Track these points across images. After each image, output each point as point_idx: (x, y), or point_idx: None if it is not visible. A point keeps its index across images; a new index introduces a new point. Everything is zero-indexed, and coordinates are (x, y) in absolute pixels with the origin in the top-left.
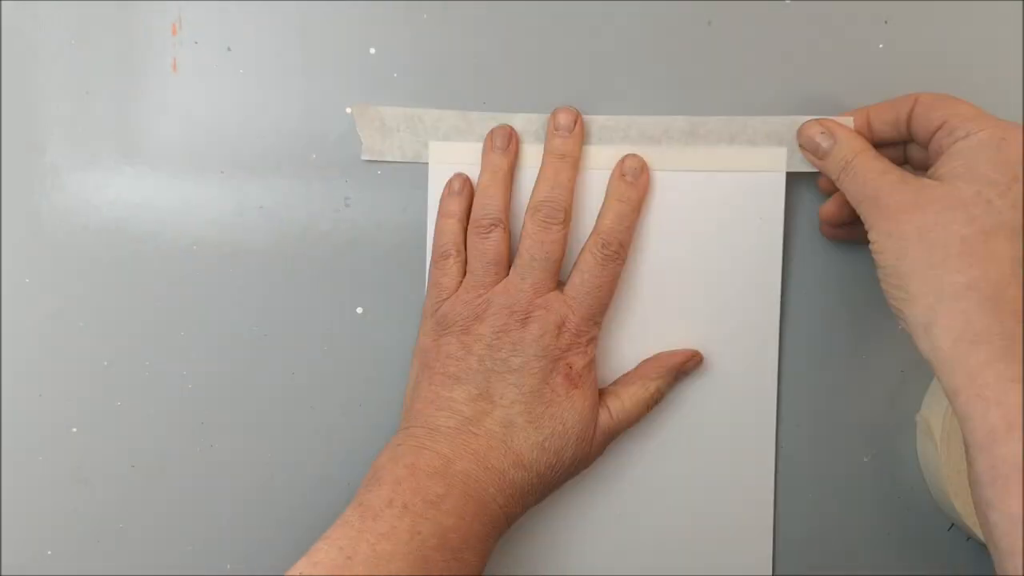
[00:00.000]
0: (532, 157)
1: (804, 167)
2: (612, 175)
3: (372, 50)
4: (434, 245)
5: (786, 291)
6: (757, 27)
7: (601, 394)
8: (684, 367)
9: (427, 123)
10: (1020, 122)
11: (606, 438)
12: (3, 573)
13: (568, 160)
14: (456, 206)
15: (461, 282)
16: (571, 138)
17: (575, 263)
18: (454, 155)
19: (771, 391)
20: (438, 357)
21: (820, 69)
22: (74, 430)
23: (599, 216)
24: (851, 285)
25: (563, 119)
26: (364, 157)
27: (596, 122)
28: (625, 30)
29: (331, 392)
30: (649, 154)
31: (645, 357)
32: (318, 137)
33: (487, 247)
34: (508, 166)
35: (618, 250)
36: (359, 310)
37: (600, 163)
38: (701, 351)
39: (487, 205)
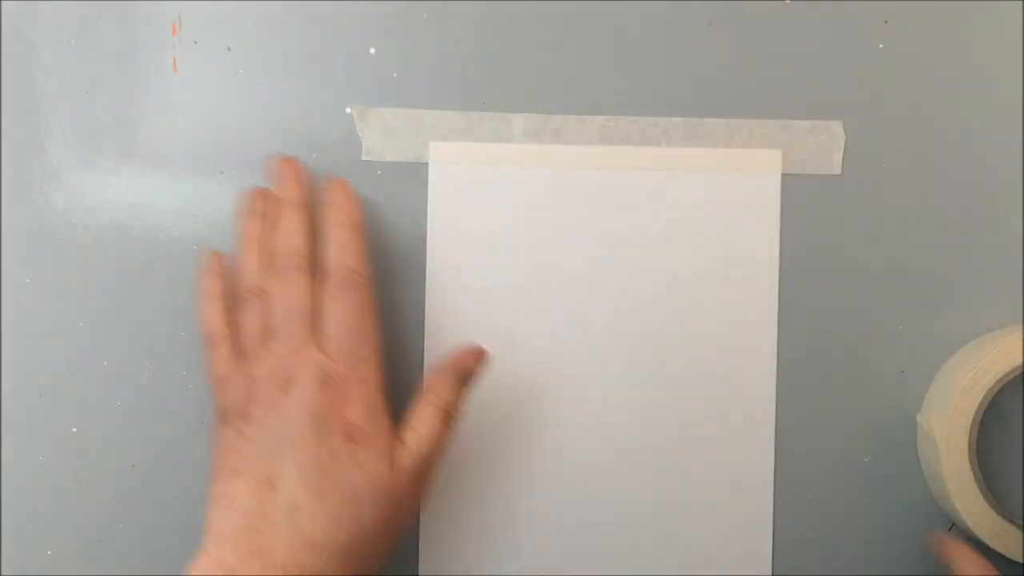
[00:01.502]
0: (532, 157)
1: (799, 169)
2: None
3: (372, 50)
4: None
5: (783, 291)
6: (757, 27)
7: (398, 429)
8: (470, 371)
9: (427, 123)
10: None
11: (418, 477)
12: (3, 573)
13: (295, 206)
14: (215, 285)
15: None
16: (295, 183)
17: (318, 307)
18: (454, 155)
19: (770, 391)
20: (221, 452)
21: (820, 69)
22: (74, 430)
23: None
24: (849, 285)
25: (277, 169)
26: (364, 157)
27: (596, 122)
28: (625, 30)
29: None
30: (648, 155)
31: (644, 357)
32: (318, 137)
33: (251, 321)
34: (261, 231)
35: (353, 276)
36: None
37: (601, 163)
38: (699, 351)
39: (246, 274)
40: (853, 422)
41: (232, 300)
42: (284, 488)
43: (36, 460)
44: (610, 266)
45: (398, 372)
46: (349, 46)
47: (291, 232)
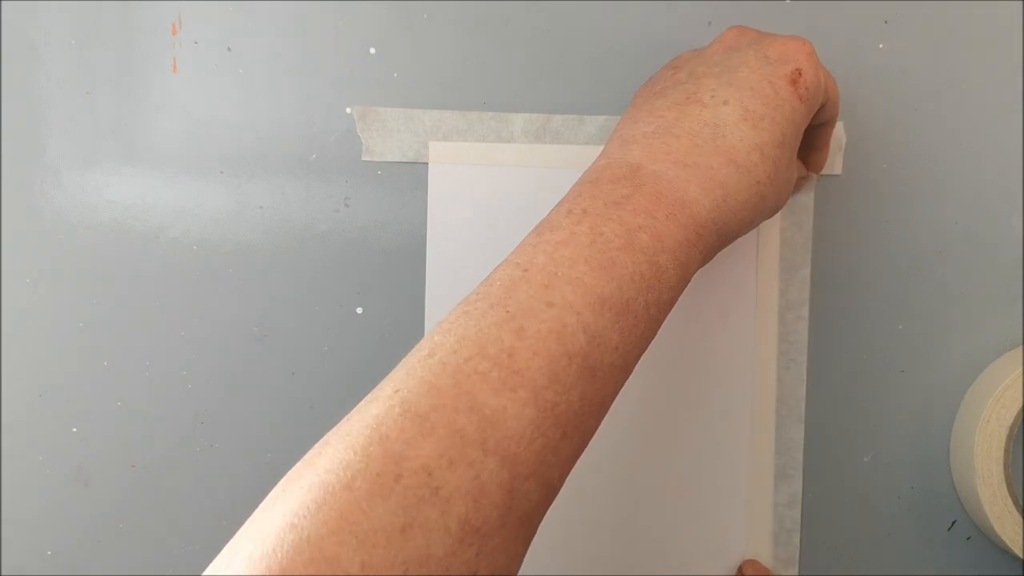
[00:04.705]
0: (532, 157)
1: (799, 171)
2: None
3: (372, 50)
4: None
5: (784, 291)
6: (757, 27)
7: None
8: None
9: (427, 123)
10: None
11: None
12: (3, 573)
13: None
14: None
15: None
16: None
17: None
18: (454, 155)
19: (771, 391)
20: (647, 86)
21: None
22: (74, 430)
23: None
24: (849, 284)
25: None
26: (364, 157)
27: (596, 122)
28: (625, 30)
29: (331, 392)
30: None
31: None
32: (318, 137)
33: None
34: None
35: None
36: (359, 310)
37: None
38: (698, 351)
39: None
40: (852, 421)
41: None
42: (711, 105)
43: (36, 460)
44: None
45: None
46: (349, 46)
47: None
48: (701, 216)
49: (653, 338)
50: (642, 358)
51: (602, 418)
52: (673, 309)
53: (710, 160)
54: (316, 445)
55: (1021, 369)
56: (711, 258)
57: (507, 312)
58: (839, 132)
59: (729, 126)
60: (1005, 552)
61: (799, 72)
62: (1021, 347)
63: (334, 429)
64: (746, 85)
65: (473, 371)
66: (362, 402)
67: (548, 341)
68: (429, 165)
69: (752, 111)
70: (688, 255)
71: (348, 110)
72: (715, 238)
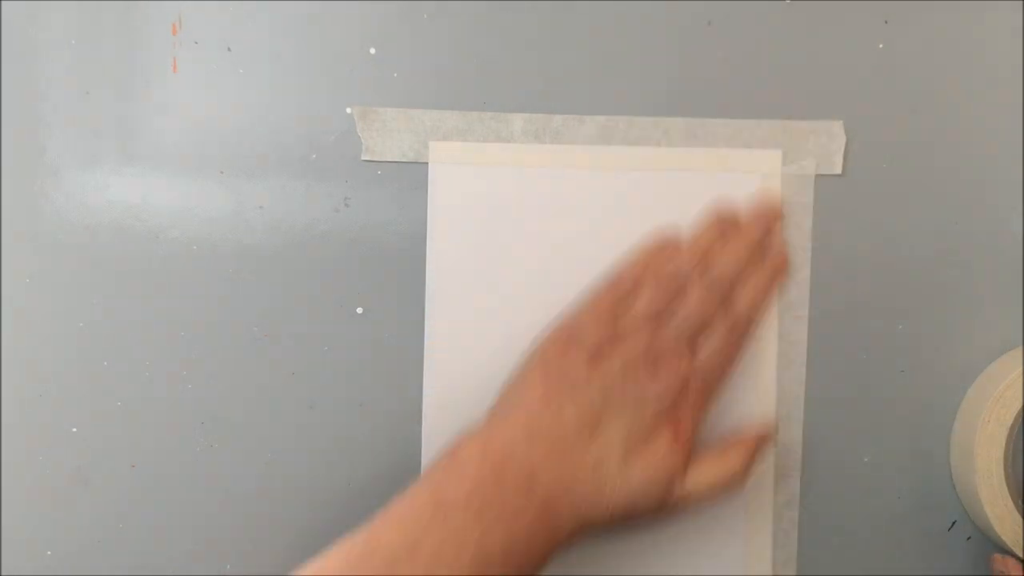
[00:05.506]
0: (532, 157)
1: (799, 170)
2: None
3: (372, 50)
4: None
5: (783, 292)
6: (757, 27)
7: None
8: (761, 449)
9: (427, 123)
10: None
11: (681, 504)
12: (3, 573)
13: (749, 241)
14: (658, 252)
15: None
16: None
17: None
18: (454, 155)
19: (771, 391)
20: (565, 341)
21: (820, 69)
22: (74, 430)
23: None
24: (848, 285)
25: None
26: (364, 157)
27: (596, 122)
28: (625, 30)
29: (331, 392)
30: (648, 155)
31: None
32: (318, 137)
33: (658, 295)
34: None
35: (751, 328)
36: (359, 310)
37: (601, 164)
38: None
39: (684, 263)
40: (853, 422)
41: (657, 268)
42: (603, 442)
43: (36, 460)
44: (610, 266)
45: (398, 372)
46: (349, 46)
47: (736, 259)
48: (563, 541)
49: None
50: None
51: None
52: None
53: (585, 495)
54: None
55: (1021, 369)
56: None
57: None
58: (839, 132)
59: (608, 466)
60: (1005, 552)
61: (678, 423)
62: (1021, 347)
63: None
64: (638, 434)
65: None
66: None
67: None
68: (429, 165)
69: (628, 459)
70: (551, 554)
71: (348, 110)
72: (564, 550)
